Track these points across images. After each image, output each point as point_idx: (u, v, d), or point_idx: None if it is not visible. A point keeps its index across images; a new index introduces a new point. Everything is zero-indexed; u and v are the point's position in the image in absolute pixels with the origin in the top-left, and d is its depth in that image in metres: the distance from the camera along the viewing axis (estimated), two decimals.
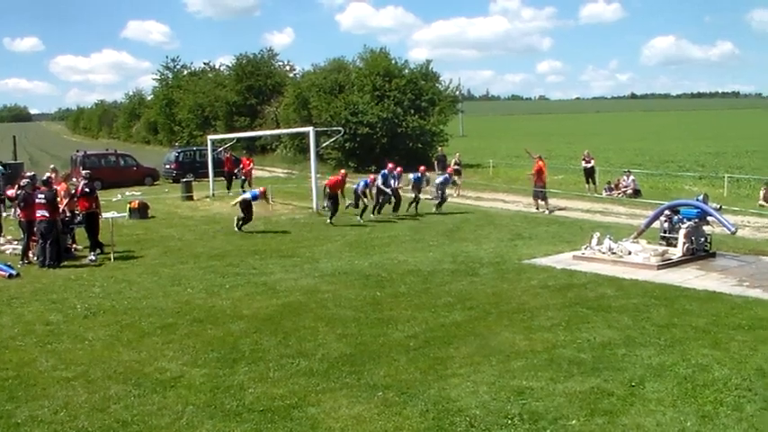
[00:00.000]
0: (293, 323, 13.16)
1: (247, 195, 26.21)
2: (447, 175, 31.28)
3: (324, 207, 28.14)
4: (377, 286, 16.12)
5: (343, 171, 29.03)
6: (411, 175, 29.89)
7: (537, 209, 29.51)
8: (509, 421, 8.64)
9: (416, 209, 28.95)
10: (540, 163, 30.35)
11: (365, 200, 27.50)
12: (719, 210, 19.45)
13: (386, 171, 28.02)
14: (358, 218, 26.91)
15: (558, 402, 9.18)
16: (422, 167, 30.81)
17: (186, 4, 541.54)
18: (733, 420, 8.58)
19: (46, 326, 13.39)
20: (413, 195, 29.17)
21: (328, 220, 26.39)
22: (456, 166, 35.88)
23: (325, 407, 9.20)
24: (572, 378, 10.07)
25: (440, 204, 29.61)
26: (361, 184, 27.79)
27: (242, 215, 25.39)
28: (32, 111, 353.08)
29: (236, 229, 25.13)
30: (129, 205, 29.70)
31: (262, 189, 26.86)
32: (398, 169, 28.99)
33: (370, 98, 50.83)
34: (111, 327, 13.24)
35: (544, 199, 29.75)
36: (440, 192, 29.72)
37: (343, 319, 13.35)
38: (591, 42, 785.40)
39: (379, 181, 27.48)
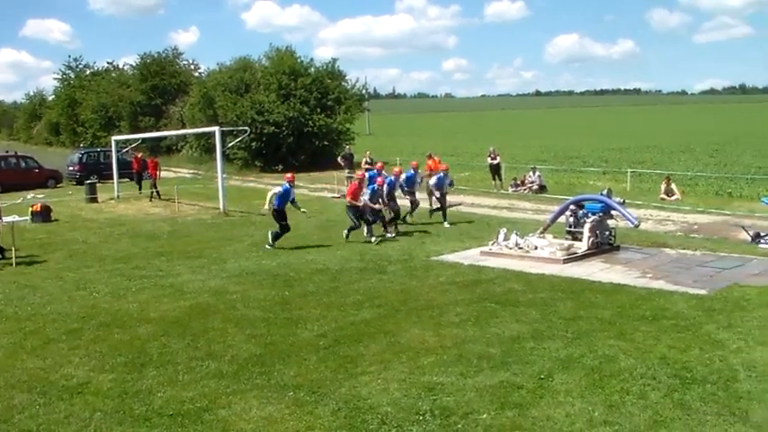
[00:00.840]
0: (201, 325, 12.99)
1: (277, 189, 21.47)
2: (441, 173, 25.96)
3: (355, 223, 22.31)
4: (285, 286, 16.02)
5: (360, 173, 26.07)
6: (403, 174, 25.46)
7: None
8: (421, 417, 8.67)
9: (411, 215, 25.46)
10: (430, 162, 30.76)
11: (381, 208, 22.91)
12: (623, 204, 19.87)
13: (392, 178, 24.15)
14: (387, 234, 22.30)
15: (468, 397, 9.25)
16: (414, 163, 26.99)
17: (88, 2, 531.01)
18: (639, 408, 8.76)
19: None
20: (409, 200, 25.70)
21: (345, 233, 22.05)
22: (367, 165, 35.03)
23: (235, 409, 9.11)
24: (482, 372, 10.15)
25: (439, 210, 25.25)
26: (367, 193, 22.68)
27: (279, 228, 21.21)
28: None
29: (269, 246, 20.97)
30: (30, 208, 28.93)
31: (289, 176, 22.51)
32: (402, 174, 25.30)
33: (276, 97, 50.50)
34: (15, 334, 12.88)
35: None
36: (437, 194, 25.24)
37: (251, 320, 13.24)
38: (496, 40, 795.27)
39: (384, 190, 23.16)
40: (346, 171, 37.35)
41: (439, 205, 25.19)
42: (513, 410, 8.78)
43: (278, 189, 21.02)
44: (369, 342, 11.72)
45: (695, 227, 23.14)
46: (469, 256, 18.77)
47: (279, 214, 21.03)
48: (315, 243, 21.57)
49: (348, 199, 21.86)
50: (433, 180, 25.90)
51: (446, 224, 24.29)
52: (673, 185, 30.52)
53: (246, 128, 40.42)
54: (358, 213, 21.76)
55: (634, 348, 11.04)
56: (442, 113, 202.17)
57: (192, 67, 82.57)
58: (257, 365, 10.73)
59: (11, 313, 14.39)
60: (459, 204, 27.93)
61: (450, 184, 26.64)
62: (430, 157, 31.84)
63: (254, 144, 49.18)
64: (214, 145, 32.76)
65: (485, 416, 8.66)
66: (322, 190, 37.69)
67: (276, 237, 20.94)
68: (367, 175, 24.60)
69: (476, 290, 15.17)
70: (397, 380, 9.94)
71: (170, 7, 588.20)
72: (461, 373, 10.16)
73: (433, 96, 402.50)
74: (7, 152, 50.84)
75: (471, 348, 11.25)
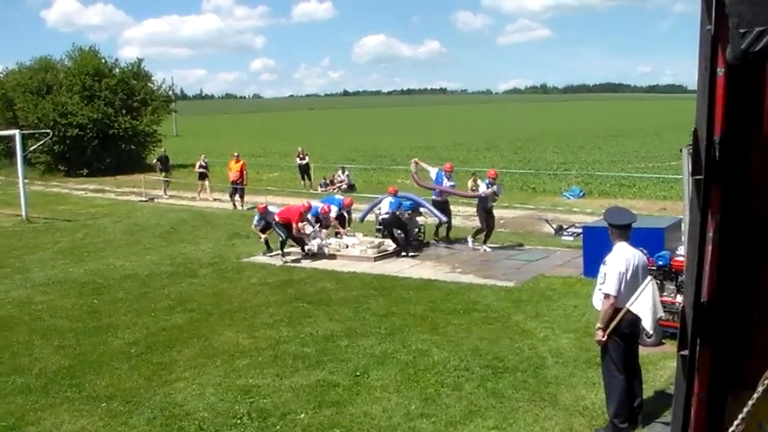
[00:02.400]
0: (5, 338, 12.40)
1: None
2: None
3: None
4: (94, 293, 15.51)
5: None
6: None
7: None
8: (238, 421, 8.59)
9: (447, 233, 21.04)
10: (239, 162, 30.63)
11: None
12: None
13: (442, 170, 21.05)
14: (472, 242, 19.44)
15: (285, 398, 9.21)
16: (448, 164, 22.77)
17: None
18: (454, 399, 8.92)
19: None
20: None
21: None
22: (201, 169, 33.72)
23: (46, 424, 8.76)
24: (298, 373, 10.13)
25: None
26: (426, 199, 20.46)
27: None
28: None
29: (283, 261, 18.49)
30: None
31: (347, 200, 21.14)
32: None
33: (80, 99, 48.79)
34: None
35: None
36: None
37: (59, 330, 12.74)
38: (304, 41, 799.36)
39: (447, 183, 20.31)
40: (162, 174, 36.48)
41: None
42: (330, 409, 8.78)
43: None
44: (182, 347, 11.50)
45: (502, 221, 23.76)
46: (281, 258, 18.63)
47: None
48: (123, 248, 20.91)
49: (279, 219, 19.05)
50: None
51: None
52: (479, 182, 31.28)
53: (49, 131, 38.85)
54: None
55: (447, 341, 11.24)
56: (250, 114, 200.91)
57: None
58: (67, 378, 10.34)
59: None
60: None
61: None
62: (238, 159, 31.35)
63: (57, 147, 47.36)
64: (14, 149, 31.26)
65: (302, 416, 8.65)
66: (129, 194, 36.67)
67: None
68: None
69: (288, 290, 15.16)
70: (213, 384, 9.80)
71: None
72: (277, 374, 10.11)
73: (241, 97, 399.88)
74: None
75: (286, 349, 11.22)
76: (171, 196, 34.56)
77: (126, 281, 16.60)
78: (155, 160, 39.15)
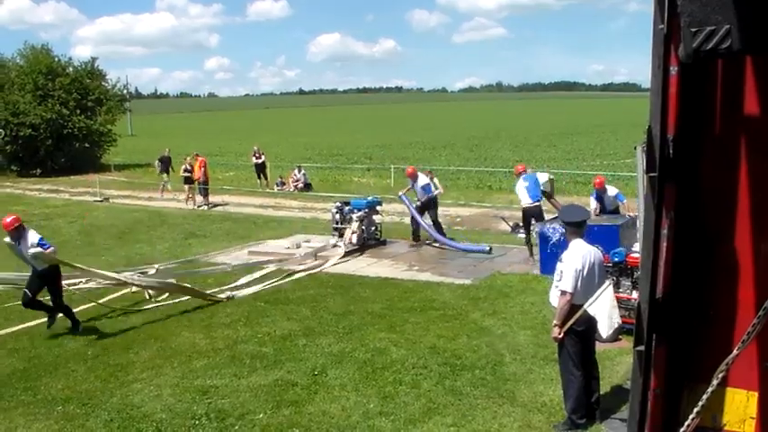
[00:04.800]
0: None
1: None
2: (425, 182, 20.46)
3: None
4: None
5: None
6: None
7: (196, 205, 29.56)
8: (197, 422, 8.56)
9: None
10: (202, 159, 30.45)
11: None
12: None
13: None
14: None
15: (243, 398, 9.18)
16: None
17: None
18: (412, 397, 8.95)
19: None
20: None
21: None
22: (186, 173, 31.15)
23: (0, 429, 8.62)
24: (255, 372, 10.10)
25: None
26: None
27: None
28: None
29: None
30: None
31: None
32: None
33: (33, 98, 48.17)
34: None
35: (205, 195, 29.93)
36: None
37: (12, 333, 12.54)
38: (259, 39, 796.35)
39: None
40: (164, 175, 34.65)
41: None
42: (288, 408, 8.78)
43: None
44: (139, 348, 11.41)
45: (458, 219, 23.90)
46: (238, 257, 18.55)
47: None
48: (78, 249, 20.69)
49: None
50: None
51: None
52: (435, 180, 31.37)
53: (1, 130, 38.38)
54: None
55: (404, 340, 11.26)
56: (205, 113, 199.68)
57: None
58: (21, 381, 10.22)
59: None
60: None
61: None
62: (197, 157, 31.04)
63: (9, 147, 46.78)
64: None
65: (261, 415, 8.63)
66: (84, 194, 36.26)
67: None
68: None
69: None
70: (170, 385, 9.74)
71: None
72: (235, 374, 10.07)
73: (196, 96, 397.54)
74: None
75: (243, 349, 11.17)
76: (166, 198, 32.80)
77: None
78: (156, 160, 36.82)
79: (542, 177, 18.86)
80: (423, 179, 19.97)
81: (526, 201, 17.28)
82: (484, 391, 9.10)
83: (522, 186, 17.55)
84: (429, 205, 19.68)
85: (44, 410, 9.13)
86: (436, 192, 19.95)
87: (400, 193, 20.70)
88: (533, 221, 17.25)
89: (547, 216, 17.79)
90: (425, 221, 19.66)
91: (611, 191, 17.20)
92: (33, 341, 12.03)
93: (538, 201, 17.37)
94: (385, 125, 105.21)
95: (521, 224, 19.82)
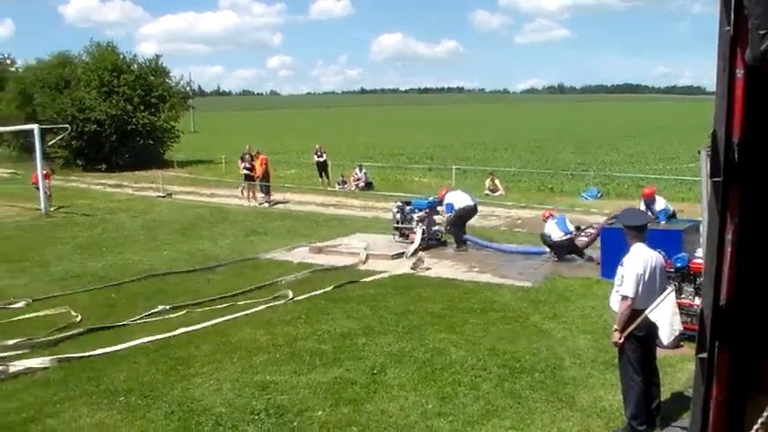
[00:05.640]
0: (24, 332, 12.37)
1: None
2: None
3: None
4: (111, 288, 15.54)
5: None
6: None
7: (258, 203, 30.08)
8: (255, 417, 8.61)
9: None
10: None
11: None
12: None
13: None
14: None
15: (302, 395, 9.22)
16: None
17: None
18: (471, 399, 8.91)
19: None
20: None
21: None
22: (246, 170, 31.48)
23: (64, 417, 8.80)
24: (315, 370, 10.13)
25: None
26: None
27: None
28: None
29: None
30: None
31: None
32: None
33: (98, 94, 48.97)
34: None
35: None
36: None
37: (78, 324, 12.72)
38: (321, 38, 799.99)
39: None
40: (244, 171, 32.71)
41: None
42: (347, 406, 8.80)
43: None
44: (200, 343, 11.52)
45: (519, 221, 23.79)
46: (298, 254, 18.67)
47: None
48: (140, 243, 21.03)
49: None
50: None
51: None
52: (497, 181, 31.32)
53: (67, 126, 39.05)
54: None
55: (464, 341, 11.23)
56: (267, 111, 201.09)
57: (9, 62, 79.31)
58: (86, 371, 10.37)
59: None
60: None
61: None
62: (258, 154, 31.28)
63: (75, 143, 47.58)
64: (33, 143, 31.45)
65: (320, 413, 8.65)
66: (147, 189, 36.80)
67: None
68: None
69: (305, 287, 15.06)
70: (230, 380, 9.82)
71: None
72: (294, 370, 10.12)
73: (258, 94, 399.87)
74: None
75: (303, 346, 11.22)
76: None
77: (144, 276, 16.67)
78: (240, 158, 34.07)
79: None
80: (447, 197, 19.63)
81: (557, 235, 17.26)
82: (543, 395, 9.04)
83: (552, 224, 17.58)
84: (463, 218, 19.45)
85: (107, 401, 9.27)
86: (464, 205, 19.52)
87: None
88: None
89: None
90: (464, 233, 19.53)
91: (660, 203, 16.94)
92: (96, 332, 12.24)
93: (569, 234, 17.39)
94: (446, 125, 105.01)
95: (582, 227, 19.65)
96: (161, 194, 33.69)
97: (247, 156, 31.59)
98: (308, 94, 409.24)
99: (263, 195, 30.12)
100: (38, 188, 28.98)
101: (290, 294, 14.19)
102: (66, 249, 20.61)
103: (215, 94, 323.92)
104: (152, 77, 52.87)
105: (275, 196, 30.64)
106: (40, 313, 13.45)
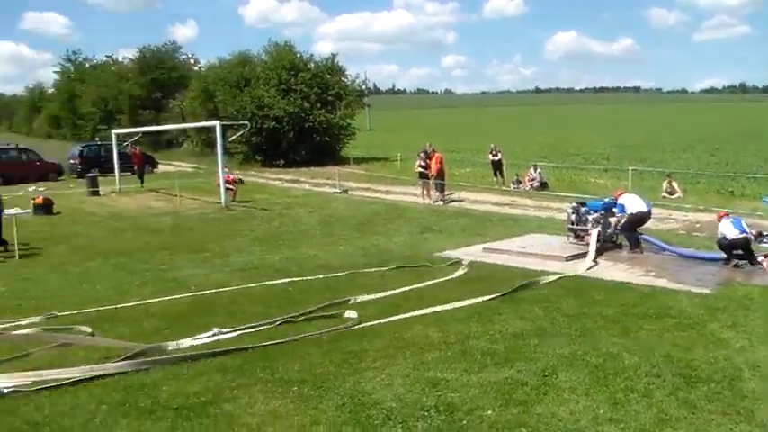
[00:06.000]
0: (205, 319, 12.95)
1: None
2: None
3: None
4: (288, 281, 15.97)
5: None
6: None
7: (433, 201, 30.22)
8: (425, 413, 8.64)
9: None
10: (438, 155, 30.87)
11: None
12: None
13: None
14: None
15: (473, 393, 9.22)
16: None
17: None
18: (643, 406, 8.74)
19: None
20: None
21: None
22: (421, 168, 31.68)
23: (240, 402, 9.08)
24: (486, 369, 10.12)
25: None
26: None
27: None
28: None
29: None
30: (32, 201, 28.99)
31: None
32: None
33: (276, 92, 50.46)
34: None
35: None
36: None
37: (254, 314, 13.15)
38: (495, 37, 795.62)
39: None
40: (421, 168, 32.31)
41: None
42: (517, 407, 8.76)
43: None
44: (372, 337, 11.68)
45: (697, 225, 23.14)
46: (472, 253, 18.73)
47: None
48: (317, 238, 21.58)
49: None
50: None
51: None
52: (674, 183, 30.51)
53: (247, 122, 40.43)
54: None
55: (638, 346, 11.01)
56: (441, 109, 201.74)
57: (192, 61, 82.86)
58: (261, 360, 10.68)
59: (14, 305, 14.42)
60: None
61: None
62: (433, 153, 31.50)
63: (254, 139, 49.27)
64: (215, 139, 32.77)
65: (489, 412, 8.63)
66: (323, 185, 37.69)
67: None
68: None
69: (478, 285, 15.10)
70: (402, 375, 9.91)
71: (168, 1, 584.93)
72: (465, 369, 10.12)
73: (432, 92, 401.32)
74: (8, 144, 50.82)
75: (475, 344, 11.21)
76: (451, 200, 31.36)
77: (319, 270, 17.05)
78: (419, 155, 32.98)
79: None
80: (621, 199, 19.23)
81: (732, 234, 16.70)
82: (719, 407, 8.76)
83: (727, 224, 17.08)
84: (634, 223, 18.99)
85: (281, 389, 9.51)
86: (636, 211, 19.00)
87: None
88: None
89: None
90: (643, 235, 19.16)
91: None
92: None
93: (744, 233, 16.85)
94: (622, 125, 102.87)
95: (764, 233, 19.00)
96: (337, 190, 34.44)
97: (422, 153, 31.86)
98: (483, 93, 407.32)
99: (437, 193, 30.36)
100: (227, 185, 30.29)
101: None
102: (245, 242, 21.39)
103: (390, 93, 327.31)
104: (328, 76, 54.07)
105: (450, 195, 30.83)
106: None
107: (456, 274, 16.23)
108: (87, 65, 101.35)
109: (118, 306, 14.05)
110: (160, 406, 8.99)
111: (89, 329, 12.28)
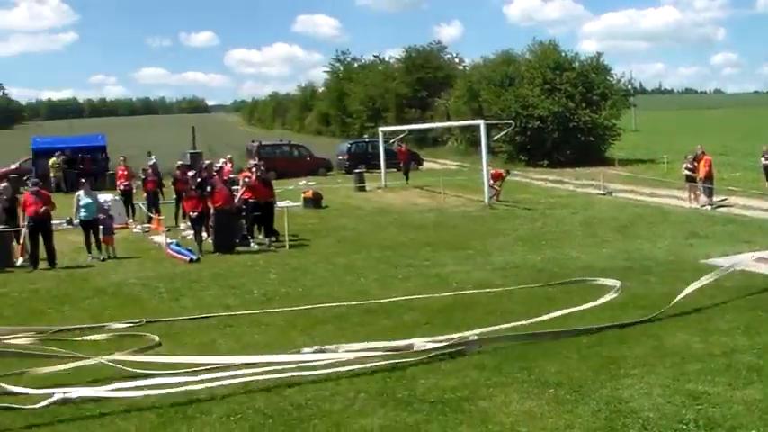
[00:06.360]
0: (465, 316, 13.15)
1: None
2: None
3: None
4: (547, 283, 15.88)
5: None
6: None
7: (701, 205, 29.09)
8: (684, 426, 8.33)
9: None
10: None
11: None
12: None
13: None
14: None
15: (735, 410, 8.78)
16: None
17: None
18: None
19: (224, 309, 13.90)
20: None
21: None
22: (687, 171, 30.59)
23: (496, 401, 9.13)
24: (751, 385, 9.61)
25: None
26: None
27: None
28: (210, 102, 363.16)
29: None
30: (303, 195, 30.44)
31: None
32: None
33: (540, 91, 50.35)
34: (286, 313, 13.61)
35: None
36: None
37: (515, 314, 13.15)
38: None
39: None
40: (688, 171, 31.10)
41: None
42: None
43: None
44: (632, 344, 11.44)
45: None
46: (741, 261, 17.86)
47: None
48: (579, 239, 21.37)
49: None
50: None
51: None
52: None
53: (511, 122, 40.54)
54: None
55: None
56: (710, 110, 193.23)
57: (457, 60, 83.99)
58: (519, 360, 10.70)
59: (283, 293, 15.25)
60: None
61: None
62: (702, 155, 30.19)
63: (518, 138, 49.32)
64: (479, 138, 33.09)
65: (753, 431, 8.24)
66: (588, 186, 37.20)
67: None
68: None
69: (747, 296, 14.45)
70: (661, 385, 9.63)
71: (433, 1, 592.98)
72: (729, 383, 9.66)
73: (701, 92, 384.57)
74: (281, 141, 53.63)
75: (740, 358, 10.69)
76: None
77: (581, 272, 16.80)
78: (686, 157, 31.96)
79: None
80: None
81: None
82: None
83: None
84: None
85: (537, 390, 9.47)
86: None
87: None
88: None
89: None
90: None
91: None
92: (532, 324, 12.50)
93: None
94: None
95: None
96: (601, 192, 33.91)
97: (690, 156, 30.78)
98: (755, 92, 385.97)
99: (705, 197, 29.26)
100: (494, 183, 30.63)
101: None
102: (507, 241, 21.50)
103: (656, 93, 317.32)
104: (593, 75, 53.35)
105: (719, 199, 29.58)
106: None
107: (723, 282, 15.53)
108: (356, 64, 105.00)
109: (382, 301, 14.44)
110: (417, 398, 9.20)
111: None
